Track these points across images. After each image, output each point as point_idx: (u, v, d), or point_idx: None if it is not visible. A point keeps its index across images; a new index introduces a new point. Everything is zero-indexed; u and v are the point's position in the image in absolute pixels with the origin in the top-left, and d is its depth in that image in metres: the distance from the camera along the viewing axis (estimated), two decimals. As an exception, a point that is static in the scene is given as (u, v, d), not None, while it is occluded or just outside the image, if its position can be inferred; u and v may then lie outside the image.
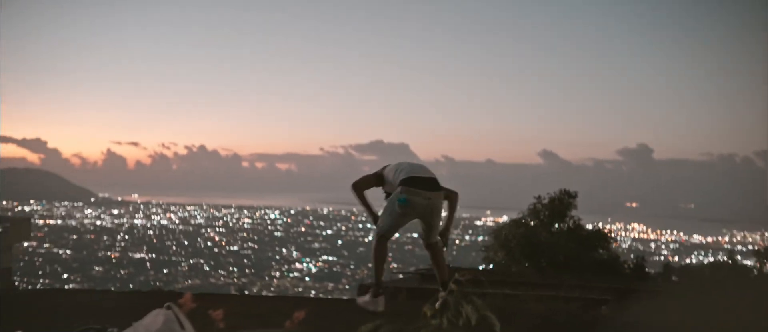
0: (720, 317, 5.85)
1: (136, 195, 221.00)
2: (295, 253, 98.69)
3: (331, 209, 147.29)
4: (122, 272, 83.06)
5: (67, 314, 3.99)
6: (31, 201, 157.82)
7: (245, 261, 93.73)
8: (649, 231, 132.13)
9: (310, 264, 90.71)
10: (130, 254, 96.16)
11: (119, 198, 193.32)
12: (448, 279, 4.76)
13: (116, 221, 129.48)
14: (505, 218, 22.72)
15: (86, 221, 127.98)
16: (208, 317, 2.73)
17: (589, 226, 19.21)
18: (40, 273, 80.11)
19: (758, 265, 19.09)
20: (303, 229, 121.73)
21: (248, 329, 3.66)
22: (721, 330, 4.23)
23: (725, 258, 20.45)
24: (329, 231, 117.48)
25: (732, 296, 8.44)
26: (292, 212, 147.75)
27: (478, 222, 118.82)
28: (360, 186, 4.90)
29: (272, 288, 75.80)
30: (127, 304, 4.32)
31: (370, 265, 4.65)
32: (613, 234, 19.72)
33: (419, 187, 4.56)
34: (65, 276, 79.46)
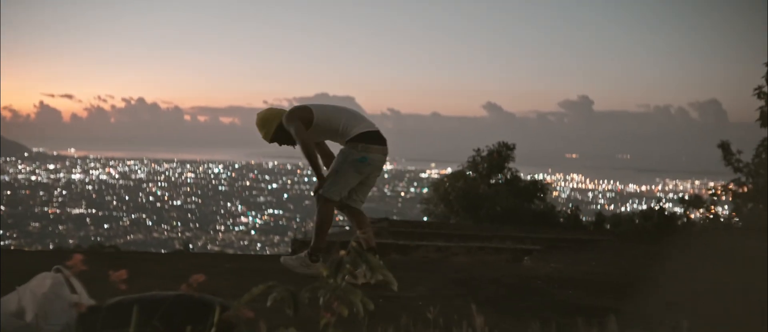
0: (639, 263, 6.07)
1: (72, 150, 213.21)
2: (240, 207, 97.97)
3: (276, 163, 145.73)
4: (61, 228, 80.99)
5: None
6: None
7: (189, 215, 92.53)
8: (588, 181, 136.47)
9: (256, 218, 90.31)
10: (68, 210, 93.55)
11: (55, 153, 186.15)
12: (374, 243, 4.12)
13: (52, 176, 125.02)
14: (449, 171, 22.88)
15: (20, 176, 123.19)
16: (109, 277, 2.60)
17: (528, 178, 19.60)
18: (-28, 230, 77.32)
19: (686, 213, 19.94)
20: (248, 183, 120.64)
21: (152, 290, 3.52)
22: (635, 276, 4.37)
23: (654, 206, 21.15)
24: (275, 185, 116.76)
25: (655, 244, 8.78)
26: (237, 166, 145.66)
27: (423, 175, 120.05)
28: (309, 141, 3.92)
29: (217, 242, 75.39)
30: (28, 265, 4.10)
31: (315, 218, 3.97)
32: (553, 185, 20.20)
33: (379, 143, 3.90)
34: (0, 232, 76.87)
